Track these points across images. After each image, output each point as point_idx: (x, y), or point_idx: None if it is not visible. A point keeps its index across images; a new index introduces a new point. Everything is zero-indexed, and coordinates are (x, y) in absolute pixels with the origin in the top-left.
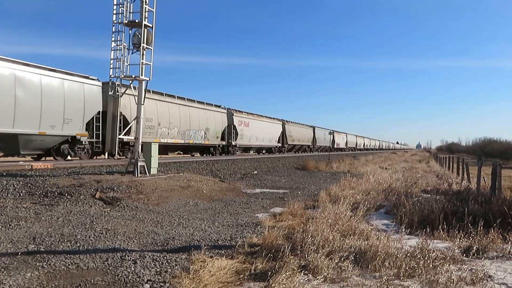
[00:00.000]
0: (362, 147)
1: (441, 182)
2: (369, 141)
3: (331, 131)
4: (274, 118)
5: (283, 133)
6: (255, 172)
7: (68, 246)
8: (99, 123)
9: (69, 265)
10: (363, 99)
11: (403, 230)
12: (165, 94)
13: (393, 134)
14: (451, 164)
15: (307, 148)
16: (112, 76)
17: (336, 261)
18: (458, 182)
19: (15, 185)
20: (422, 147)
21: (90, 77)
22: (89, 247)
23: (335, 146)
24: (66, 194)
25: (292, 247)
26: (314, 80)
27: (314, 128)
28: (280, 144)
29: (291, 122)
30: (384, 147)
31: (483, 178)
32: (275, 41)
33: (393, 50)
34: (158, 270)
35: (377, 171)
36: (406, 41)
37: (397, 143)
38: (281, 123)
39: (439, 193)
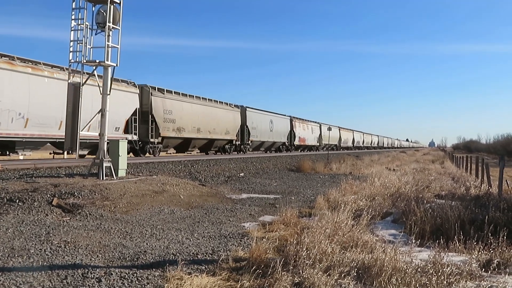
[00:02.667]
0: (350, 144)
1: (457, 186)
2: (361, 137)
3: (290, 118)
4: (121, 81)
5: (149, 113)
6: (242, 174)
7: (20, 262)
8: None
9: (20, 284)
10: (366, 90)
11: (413, 241)
12: None
13: (403, 130)
14: (469, 165)
15: (227, 146)
16: (72, 61)
17: (335, 277)
18: (477, 185)
19: None
20: (435, 145)
21: None
22: (45, 263)
23: (296, 142)
24: (17, 201)
25: (284, 262)
26: (314, 69)
27: (244, 109)
28: (132, 136)
29: (169, 91)
30: (386, 145)
31: (506, 181)
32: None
33: (398, 30)
34: None
35: (383, 173)
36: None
37: (407, 140)
38: (138, 91)
39: (455, 198)
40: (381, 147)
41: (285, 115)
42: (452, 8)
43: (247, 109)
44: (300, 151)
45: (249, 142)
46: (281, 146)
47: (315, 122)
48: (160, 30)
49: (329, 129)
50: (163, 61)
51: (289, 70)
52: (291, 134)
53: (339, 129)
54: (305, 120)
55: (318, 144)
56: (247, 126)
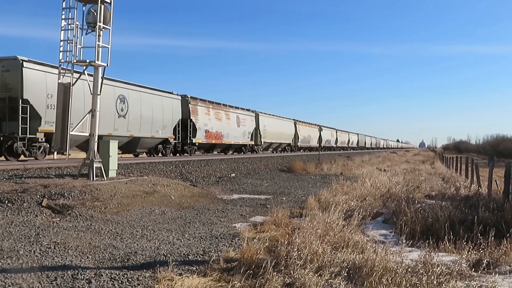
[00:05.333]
0: (314, 143)
1: (447, 186)
2: (333, 135)
3: (183, 98)
4: None
5: None
6: (233, 174)
7: (9, 264)
8: None
9: (9, 285)
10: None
11: (404, 241)
12: None
13: (393, 130)
14: (458, 165)
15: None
16: (62, 60)
17: (326, 278)
18: (467, 186)
19: None
20: (426, 146)
21: None
22: (34, 264)
23: (200, 139)
24: (7, 202)
25: (275, 262)
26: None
27: (18, 63)
28: None
29: None
30: (369, 145)
31: (495, 181)
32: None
33: (389, 32)
34: None
35: (374, 174)
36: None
37: (397, 140)
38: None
39: (445, 198)
40: (362, 148)
41: (172, 93)
42: (446, 10)
43: (25, 64)
44: (217, 152)
45: (37, 136)
46: (160, 146)
47: (247, 110)
48: (150, 30)
49: (274, 121)
50: (154, 60)
51: (279, 71)
52: (189, 126)
53: (295, 123)
54: (224, 105)
55: (253, 142)
56: (26, 104)
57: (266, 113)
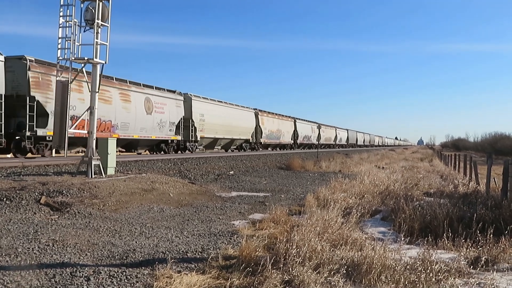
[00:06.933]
0: (287, 140)
1: (445, 184)
2: (314, 130)
3: (20, 59)
4: None
5: None
6: (231, 172)
7: (7, 261)
8: None
9: (7, 283)
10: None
11: (402, 238)
12: None
13: (392, 128)
14: (457, 163)
15: None
16: (60, 58)
17: (325, 275)
18: (465, 183)
19: None
20: (424, 143)
21: None
22: (33, 262)
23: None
24: (5, 199)
25: (274, 260)
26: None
27: None
28: None
29: None
30: (362, 143)
31: (494, 178)
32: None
33: (387, 30)
34: None
35: (372, 171)
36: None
37: (396, 138)
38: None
39: (444, 196)
40: (353, 146)
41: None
42: (443, 8)
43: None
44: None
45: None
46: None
47: (169, 91)
48: (147, 28)
49: (219, 110)
50: (153, 58)
51: (276, 70)
52: (29, 109)
53: (257, 114)
54: (120, 80)
55: (181, 137)
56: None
57: (207, 98)
